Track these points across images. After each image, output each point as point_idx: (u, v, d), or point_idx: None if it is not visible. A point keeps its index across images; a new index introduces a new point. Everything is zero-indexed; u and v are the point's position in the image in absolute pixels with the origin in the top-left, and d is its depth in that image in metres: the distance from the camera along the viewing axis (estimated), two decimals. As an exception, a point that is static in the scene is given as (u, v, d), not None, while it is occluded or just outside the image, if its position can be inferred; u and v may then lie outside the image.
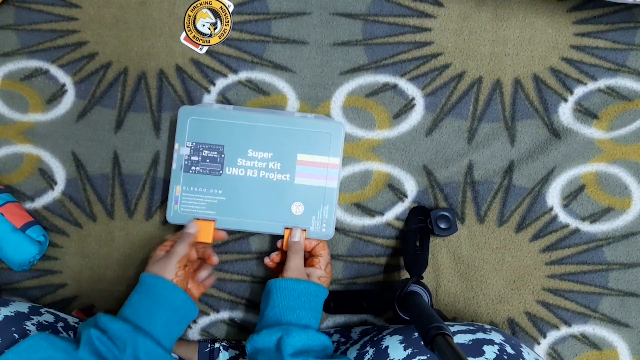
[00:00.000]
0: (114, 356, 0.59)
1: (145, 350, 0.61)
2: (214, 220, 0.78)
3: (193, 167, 0.79)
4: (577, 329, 0.82)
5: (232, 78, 0.85)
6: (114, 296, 0.83)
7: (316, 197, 0.78)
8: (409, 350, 0.61)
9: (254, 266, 0.83)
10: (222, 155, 0.79)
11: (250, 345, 0.66)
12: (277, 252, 0.78)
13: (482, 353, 0.59)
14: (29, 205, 0.83)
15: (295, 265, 0.72)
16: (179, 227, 0.81)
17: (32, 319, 0.65)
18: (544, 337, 0.82)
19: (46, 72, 0.84)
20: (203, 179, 0.79)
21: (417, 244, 0.80)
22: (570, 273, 0.83)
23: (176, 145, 0.79)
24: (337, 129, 0.79)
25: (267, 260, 0.78)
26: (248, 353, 0.67)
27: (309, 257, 0.78)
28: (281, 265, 0.77)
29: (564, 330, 0.82)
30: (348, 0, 0.84)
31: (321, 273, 0.74)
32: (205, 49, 0.85)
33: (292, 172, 0.79)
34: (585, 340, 0.82)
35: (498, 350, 0.60)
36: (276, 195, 0.79)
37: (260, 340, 0.65)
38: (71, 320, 0.70)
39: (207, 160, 0.79)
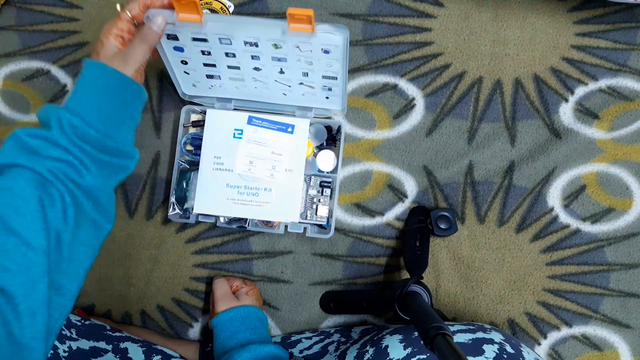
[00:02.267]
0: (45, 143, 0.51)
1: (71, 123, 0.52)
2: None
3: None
4: (578, 329, 0.82)
5: (232, 78, 0.85)
6: (115, 295, 0.83)
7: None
8: (409, 350, 0.61)
9: (254, 266, 0.83)
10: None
11: None
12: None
13: (481, 352, 0.59)
14: (30, 205, 0.83)
15: (220, 295, 0.75)
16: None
17: None
18: (545, 337, 0.82)
19: (47, 73, 0.85)
20: None
21: (417, 244, 0.80)
22: (571, 274, 0.83)
23: None
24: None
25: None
26: None
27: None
28: None
29: (565, 331, 0.82)
30: (348, 0, 0.84)
31: (245, 289, 0.78)
32: (205, 49, 0.85)
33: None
34: (586, 341, 0.82)
35: (498, 349, 0.60)
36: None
37: None
38: (73, 318, 0.70)
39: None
